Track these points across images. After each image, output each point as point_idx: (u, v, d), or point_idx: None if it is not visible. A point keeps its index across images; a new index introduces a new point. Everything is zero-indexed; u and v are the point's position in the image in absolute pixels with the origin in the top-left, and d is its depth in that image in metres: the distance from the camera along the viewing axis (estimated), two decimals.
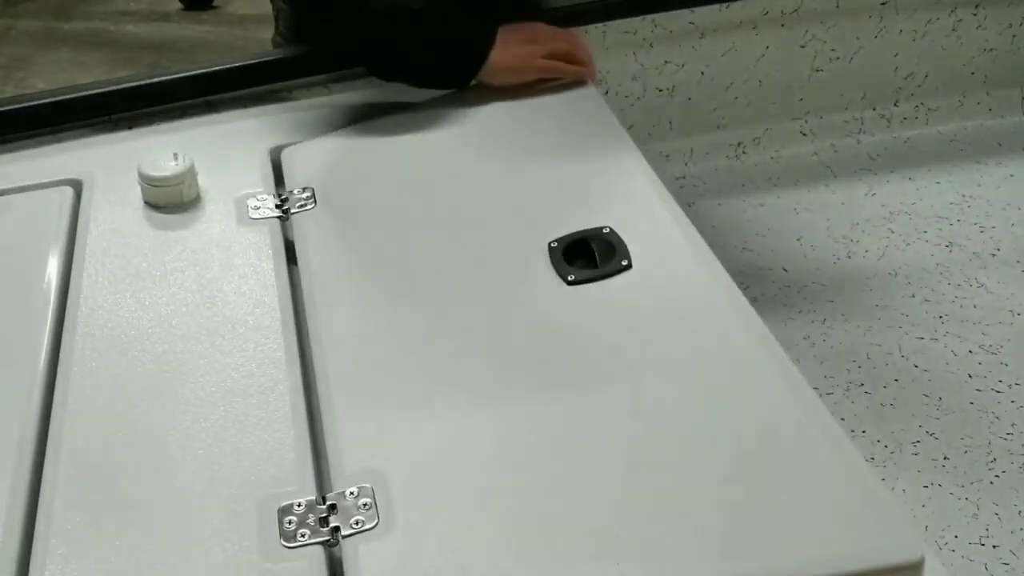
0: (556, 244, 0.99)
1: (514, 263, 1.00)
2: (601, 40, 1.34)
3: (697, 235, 1.00)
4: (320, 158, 1.21)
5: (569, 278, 0.95)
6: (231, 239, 1.06)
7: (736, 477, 0.78)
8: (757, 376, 0.87)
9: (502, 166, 1.16)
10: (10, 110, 1.25)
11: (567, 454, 0.80)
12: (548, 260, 0.98)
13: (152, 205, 1.11)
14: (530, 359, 0.89)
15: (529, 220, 1.05)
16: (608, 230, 1.00)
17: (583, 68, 1.30)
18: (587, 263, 0.97)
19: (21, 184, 1.15)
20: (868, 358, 1.47)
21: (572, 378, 0.87)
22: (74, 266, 1.02)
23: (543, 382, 0.86)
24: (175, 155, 1.10)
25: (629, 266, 0.96)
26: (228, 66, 1.29)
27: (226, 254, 1.04)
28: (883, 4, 1.78)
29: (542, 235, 1.01)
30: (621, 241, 0.99)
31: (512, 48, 1.25)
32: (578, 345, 0.90)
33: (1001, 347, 1.48)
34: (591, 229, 1.00)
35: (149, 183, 1.09)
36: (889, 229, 1.72)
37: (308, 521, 0.75)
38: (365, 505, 0.75)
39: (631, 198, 1.07)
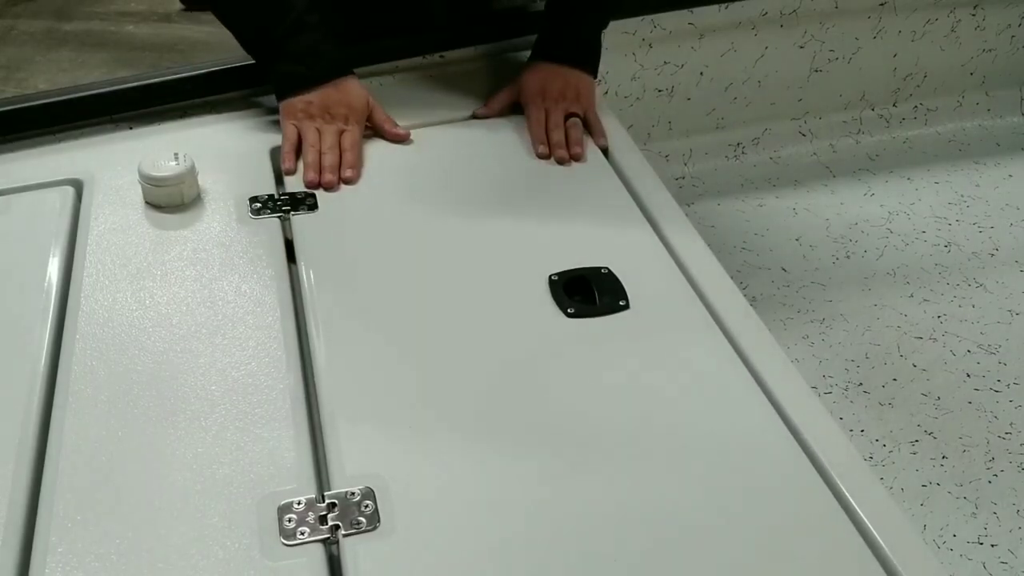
0: (557, 278, 1.00)
1: (514, 288, 1.00)
2: (601, 40, 1.34)
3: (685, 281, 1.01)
4: None
5: (569, 311, 0.96)
6: (231, 239, 1.06)
7: (737, 488, 0.79)
8: (751, 385, 0.88)
9: (505, 185, 1.17)
10: (11, 110, 1.25)
11: (563, 472, 0.80)
12: (548, 291, 0.99)
13: (153, 205, 1.11)
14: (531, 379, 0.89)
15: (531, 248, 1.05)
16: (606, 270, 1.01)
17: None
18: (584, 299, 0.98)
19: (22, 184, 1.15)
20: (867, 358, 1.47)
21: (570, 399, 0.87)
22: (75, 266, 1.02)
23: (543, 402, 0.87)
24: (175, 155, 1.10)
25: (627, 306, 0.97)
26: (228, 66, 1.29)
27: (226, 254, 1.04)
28: (882, 4, 1.78)
29: (543, 266, 1.01)
30: (619, 282, 0.99)
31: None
32: (576, 370, 0.90)
33: (999, 347, 1.48)
34: (590, 268, 1.01)
35: (149, 183, 1.09)
36: (888, 229, 1.72)
37: (308, 519, 0.75)
38: (366, 507, 0.76)
39: (630, 241, 1.07)
